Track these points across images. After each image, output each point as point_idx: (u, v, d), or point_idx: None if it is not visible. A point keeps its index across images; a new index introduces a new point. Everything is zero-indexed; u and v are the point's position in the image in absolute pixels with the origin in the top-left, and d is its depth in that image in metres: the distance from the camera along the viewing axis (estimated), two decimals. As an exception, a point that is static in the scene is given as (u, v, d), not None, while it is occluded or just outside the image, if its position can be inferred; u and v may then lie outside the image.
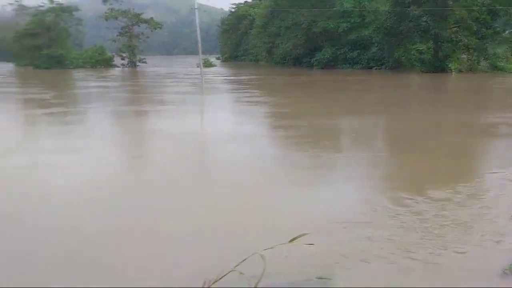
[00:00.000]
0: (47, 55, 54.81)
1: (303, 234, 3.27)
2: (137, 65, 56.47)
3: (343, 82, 26.85)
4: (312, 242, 3.74)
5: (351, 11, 39.68)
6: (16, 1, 68.15)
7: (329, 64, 41.29)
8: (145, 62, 56.94)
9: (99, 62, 56.09)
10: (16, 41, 62.06)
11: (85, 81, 31.47)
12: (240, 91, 22.34)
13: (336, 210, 5.24)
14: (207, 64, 51.59)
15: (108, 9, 55.94)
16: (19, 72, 50.11)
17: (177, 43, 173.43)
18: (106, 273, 3.79)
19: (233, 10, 79.60)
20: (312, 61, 42.93)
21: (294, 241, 3.19)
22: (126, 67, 55.73)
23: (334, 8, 40.60)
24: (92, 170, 6.68)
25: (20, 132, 10.91)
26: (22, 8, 69.23)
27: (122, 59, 56.72)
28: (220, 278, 3.12)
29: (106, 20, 55.58)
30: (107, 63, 56.67)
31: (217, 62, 72.74)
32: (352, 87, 23.59)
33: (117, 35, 56.99)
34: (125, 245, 4.05)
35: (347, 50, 40.33)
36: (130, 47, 55.91)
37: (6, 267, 3.75)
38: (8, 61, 74.08)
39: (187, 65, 61.24)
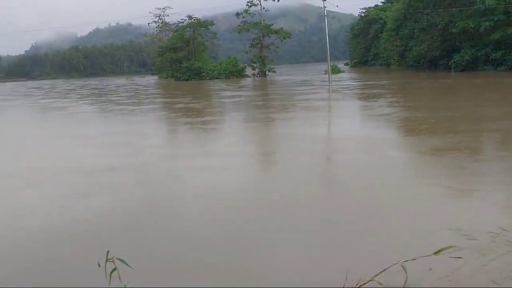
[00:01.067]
0: (186, 68, 61.39)
1: (450, 247, 3.08)
2: (267, 75, 59.73)
3: (499, 85, 24.36)
4: (460, 255, 3.70)
5: (495, 8, 38.16)
6: (160, 19, 79.29)
7: (469, 66, 39.84)
8: (274, 71, 60.14)
9: (233, 73, 60.76)
10: (160, 55, 72.05)
11: (224, 91, 34.01)
12: (373, 97, 21.07)
13: (494, 224, 4.74)
14: (335, 70, 52.47)
15: (241, 22, 60.58)
16: (164, 84, 56.55)
17: (305, 51, 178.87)
18: (240, 273, 4.13)
19: (363, 14, 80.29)
20: (449, 64, 41.76)
21: (439, 253, 2.94)
22: (256, 76, 59.45)
23: (475, 7, 39.40)
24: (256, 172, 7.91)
25: (186, 138, 12.57)
26: (164, 25, 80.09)
27: (253, 69, 60.62)
28: (359, 287, 3.12)
29: (239, 32, 60.11)
30: (239, 74, 61.06)
31: (346, 68, 74.03)
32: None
33: (249, 47, 61.24)
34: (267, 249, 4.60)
35: (489, 50, 38.53)
36: (261, 57, 59.56)
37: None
38: (152, 73, 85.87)
39: (315, 72, 62.72)
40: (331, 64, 39.57)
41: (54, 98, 37.69)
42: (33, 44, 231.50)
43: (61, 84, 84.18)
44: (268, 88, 35.23)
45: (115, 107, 24.77)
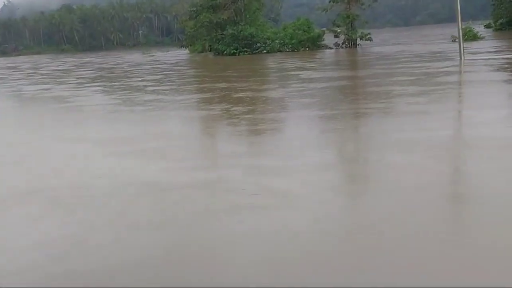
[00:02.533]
0: (232, 36, 61.95)
1: None
2: (358, 44, 60.01)
3: None
4: None
5: None
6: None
7: None
8: (369, 39, 59.95)
9: (303, 42, 61.19)
10: (192, 17, 72.58)
11: (300, 70, 34.90)
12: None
13: None
14: (470, 37, 51.72)
15: (316, -39, 61.96)
16: (200, 61, 58.12)
17: (418, 7, 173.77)
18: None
19: None
20: None
21: None
22: (341, 47, 59.82)
23: None
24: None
25: (269, 142, 13.45)
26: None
27: (336, 36, 60.83)
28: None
29: (314, -21, 61.70)
30: (314, 44, 61.39)
31: (486, 32, 71.89)
32: None
33: (330, 1, 61.08)
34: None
35: None
36: (348, 17, 59.12)
37: None
38: (181, 46, 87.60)
39: (435, 39, 61.61)
40: (463, 27, 38.66)
41: (44, 83, 39.06)
42: (5, 3, 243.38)
43: (47, 61, 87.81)
44: (363, 68, 34.91)
45: (144, 96, 25.41)
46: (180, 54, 77.73)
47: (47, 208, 8.58)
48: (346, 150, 12.22)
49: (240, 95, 23.34)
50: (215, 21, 66.14)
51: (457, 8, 32.94)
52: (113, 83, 34.85)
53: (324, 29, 64.21)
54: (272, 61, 46.66)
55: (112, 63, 64.31)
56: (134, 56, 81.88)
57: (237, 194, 8.71)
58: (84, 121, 19.16)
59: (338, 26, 61.28)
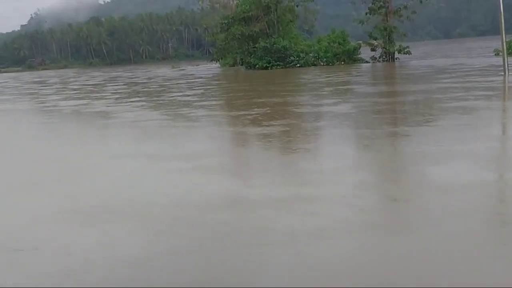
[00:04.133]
0: (264, 49, 62.38)
1: None
2: (396, 58, 60.00)
3: None
4: None
5: None
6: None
7: None
8: (408, 53, 59.85)
9: (339, 55, 61.38)
10: (223, 30, 71.94)
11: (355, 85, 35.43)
12: None
13: None
14: None
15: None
16: (232, 75, 58.63)
17: (459, 20, 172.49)
18: None
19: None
20: None
21: None
22: (378, 61, 59.95)
23: None
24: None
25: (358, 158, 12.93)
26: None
27: (373, 49, 60.78)
28: None
29: (350, -10, 61.52)
30: (350, 57, 61.53)
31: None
32: None
33: (366, 13, 61.25)
34: None
35: None
36: (385, 29, 59.31)
37: None
38: (212, 59, 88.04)
39: (477, 53, 61.34)
40: (508, 40, 38.42)
41: (78, 98, 39.29)
42: (33, 16, 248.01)
43: (74, 75, 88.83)
44: (415, 82, 34.45)
45: (194, 111, 25.35)
46: (211, 68, 78.13)
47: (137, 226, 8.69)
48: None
49: (301, 110, 23.23)
50: (247, 33, 66.54)
51: (501, 20, 32.42)
52: (154, 98, 34.96)
53: (361, 42, 64.13)
54: (312, 75, 46.61)
55: (143, 77, 64.76)
56: (164, 70, 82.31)
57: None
58: (142, 136, 19.02)
59: (375, 39, 61.09)
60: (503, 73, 30.81)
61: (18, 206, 10.33)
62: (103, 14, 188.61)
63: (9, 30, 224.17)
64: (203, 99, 32.32)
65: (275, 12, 66.80)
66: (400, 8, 60.90)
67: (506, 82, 28.21)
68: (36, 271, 7.03)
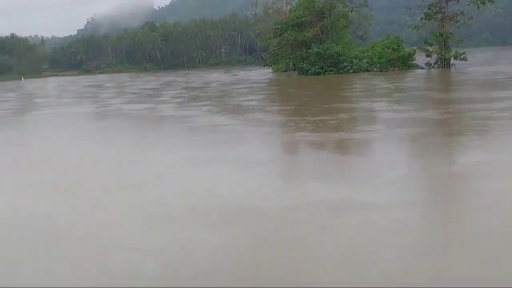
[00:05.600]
0: (317, 54, 62.05)
1: None
2: (452, 64, 59.10)
3: None
4: None
5: None
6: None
7: None
8: (464, 59, 58.39)
9: (393, 61, 60.79)
10: (276, 35, 71.62)
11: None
12: None
13: None
14: None
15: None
16: (292, 81, 58.22)
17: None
18: None
19: None
20: None
21: None
22: (433, 67, 59.27)
23: None
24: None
25: None
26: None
27: (428, 55, 60.08)
28: None
29: (405, -4, 61.06)
30: (404, 63, 60.92)
31: None
32: None
33: (421, 18, 60.56)
34: None
35: None
36: (441, 35, 58.49)
37: None
38: (264, 64, 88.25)
39: None
40: None
41: (140, 102, 39.55)
42: (89, 21, 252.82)
43: (128, 80, 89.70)
44: (490, 89, 33.46)
45: (270, 116, 25.19)
46: (264, 73, 78.06)
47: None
48: None
49: (388, 115, 22.74)
50: (300, 39, 66.00)
51: None
52: (219, 103, 34.69)
53: (415, 47, 63.42)
54: (372, 81, 46.33)
55: (198, 82, 65.12)
56: (217, 75, 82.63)
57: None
58: (231, 142, 18.56)
59: (431, 45, 60.33)
60: None
61: (113, 209, 10.65)
62: (158, 19, 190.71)
63: (66, 35, 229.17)
64: (270, 103, 32.28)
65: (329, 18, 66.30)
66: (456, 14, 59.97)
67: None
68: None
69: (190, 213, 9.94)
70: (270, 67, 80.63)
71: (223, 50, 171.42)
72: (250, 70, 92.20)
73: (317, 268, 7.15)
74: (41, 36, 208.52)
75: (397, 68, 60.48)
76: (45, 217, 10.30)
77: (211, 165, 14.20)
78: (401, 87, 39.05)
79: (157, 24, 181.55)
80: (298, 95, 38.30)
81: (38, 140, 22.53)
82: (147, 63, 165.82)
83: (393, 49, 61.69)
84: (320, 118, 23.27)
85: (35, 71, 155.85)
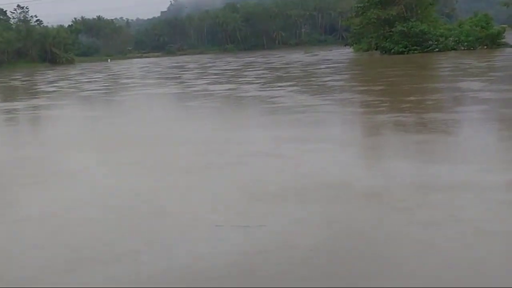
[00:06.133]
0: (401, 33, 61.30)
1: None
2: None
3: None
4: None
5: None
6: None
7: None
8: (557, 37, 56.64)
9: (481, 39, 59.43)
10: (358, 14, 71.13)
11: None
12: None
13: None
14: None
15: None
16: (376, 61, 57.41)
17: None
18: None
19: None
20: None
21: None
22: (524, 45, 56.61)
23: None
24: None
25: None
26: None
27: (519, 33, 58.03)
28: None
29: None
30: (494, 41, 59.33)
31: None
32: None
33: (515, -6, 58.50)
34: None
35: None
36: (534, 11, 57.11)
37: None
38: (345, 44, 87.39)
39: None
40: None
41: (223, 82, 39.22)
42: (172, 3, 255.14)
43: (210, 61, 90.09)
44: None
45: (357, 95, 24.85)
46: (344, 53, 77.39)
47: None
48: None
49: (487, 95, 21.68)
50: (383, 17, 64.92)
51: None
52: (304, 83, 33.91)
53: (505, 25, 61.65)
54: (462, 59, 44.85)
55: (279, 63, 64.85)
56: (297, 56, 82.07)
57: None
58: (322, 123, 18.31)
59: (523, 21, 58.56)
60: None
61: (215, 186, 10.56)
62: (239, 0, 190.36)
63: (150, 17, 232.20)
64: (357, 83, 31.72)
65: (415, -4, 64.96)
66: (549, -11, 57.64)
67: None
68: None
69: (292, 190, 9.81)
70: (351, 47, 79.92)
71: (303, 30, 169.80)
72: (331, 50, 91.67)
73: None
74: (126, 18, 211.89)
75: (485, 47, 59.05)
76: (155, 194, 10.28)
77: (306, 145, 14.03)
78: (495, 66, 37.74)
79: (238, 5, 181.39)
80: (386, 75, 37.23)
81: (133, 119, 22.70)
82: (228, 44, 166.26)
83: (482, 27, 60.30)
84: (414, 98, 22.59)
85: (121, 53, 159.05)
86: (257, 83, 36.53)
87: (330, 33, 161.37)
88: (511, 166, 10.91)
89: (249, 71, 52.35)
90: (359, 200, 9.13)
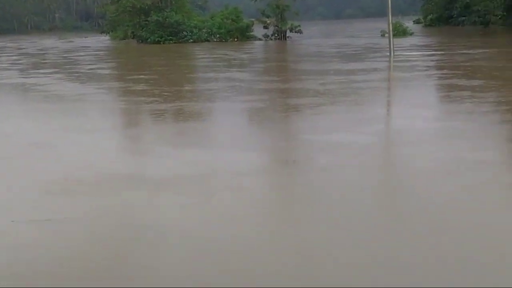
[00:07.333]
0: (157, 23, 61.81)
1: None
2: (288, 37, 60.97)
3: None
4: None
5: None
6: None
7: None
8: (299, 31, 60.76)
9: (232, 32, 61.68)
10: (114, 2, 71.15)
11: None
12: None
13: None
14: (400, 32, 53.31)
15: None
16: (133, 49, 57.49)
17: (349, 1, 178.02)
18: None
19: None
20: None
21: None
22: (270, 39, 60.61)
23: None
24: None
25: None
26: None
27: (266, 27, 61.50)
28: None
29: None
30: (243, 34, 61.90)
31: (416, 27, 75.11)
32: None
33: (260, -9, 61.32)
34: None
35: None
36: (278, 8, 60.12)
37: None
38: (102, 31, 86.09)
39: (366, 34, 63.22)
40: (393, 22, 39.79)
41: None
42: None
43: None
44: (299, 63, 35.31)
45: (142, 87, 23.36)
46: (101, 40, 76.38)
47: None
48: None
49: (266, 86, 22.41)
50: (138, 6, 65.20)
51: (388, 2, 34.14)
52: (68, 71, 32.17)
53: (253, 19, 64.77)
54: (220, 50, 46.32)
55: (33, 48, 62.05)
56: (51, 41, 79.32)
57: None
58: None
59: (268, 17, 62.09)
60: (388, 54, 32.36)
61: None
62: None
63: None
64: (125, 72, 31.30)
65: (168, -14, 65.91)
66: (292, -13, 61.63)
67: (391, 66, 29.38)
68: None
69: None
70: (108, 35, 79.23)
71: (57, 15, 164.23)
72: (86, 37, 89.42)
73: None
74: None
75: (236, 39, 61.37)
76: None
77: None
78: (254, 58, 39.90)
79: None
80: (154, 64, 37.53)
81: None
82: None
83: (232, 20, 62.64)
84: (189, 87, 23.23)
85: None
86: (14, 69, 34.77)
87: (86, 20, 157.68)
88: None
89: (1, 56, 49.66)
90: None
